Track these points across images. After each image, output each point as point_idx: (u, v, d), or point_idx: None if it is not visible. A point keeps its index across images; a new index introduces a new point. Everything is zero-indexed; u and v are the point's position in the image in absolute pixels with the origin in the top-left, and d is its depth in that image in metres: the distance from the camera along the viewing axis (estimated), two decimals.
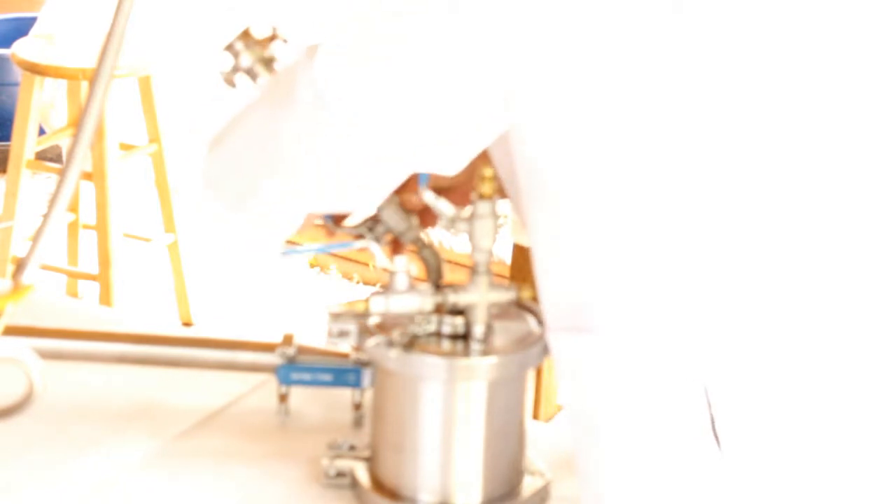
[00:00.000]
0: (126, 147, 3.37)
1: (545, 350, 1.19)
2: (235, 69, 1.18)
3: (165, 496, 1.25)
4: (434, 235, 1.26)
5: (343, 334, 1.21)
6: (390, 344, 1.17)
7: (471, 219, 1.16)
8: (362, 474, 1.24)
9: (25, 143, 3.26)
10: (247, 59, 1.18)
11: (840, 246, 0.99)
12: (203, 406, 1.38)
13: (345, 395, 1.36)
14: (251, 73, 1.19)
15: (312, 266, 3.95)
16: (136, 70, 3.26)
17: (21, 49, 3.26)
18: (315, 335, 1.34)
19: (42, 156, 3.61)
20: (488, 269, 1.18)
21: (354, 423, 1.35)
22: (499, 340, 1.19)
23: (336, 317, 1.21)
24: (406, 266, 1.20)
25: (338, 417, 1.36)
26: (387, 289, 1.20)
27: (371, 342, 1.19)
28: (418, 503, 1.21)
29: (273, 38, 1.19)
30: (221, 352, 1.35)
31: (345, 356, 1.33)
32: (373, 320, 1.21)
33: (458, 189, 1.24)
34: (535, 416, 2.72)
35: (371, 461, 1.25)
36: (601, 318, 1.02)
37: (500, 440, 1.21)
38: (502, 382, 1.20)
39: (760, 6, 0.95)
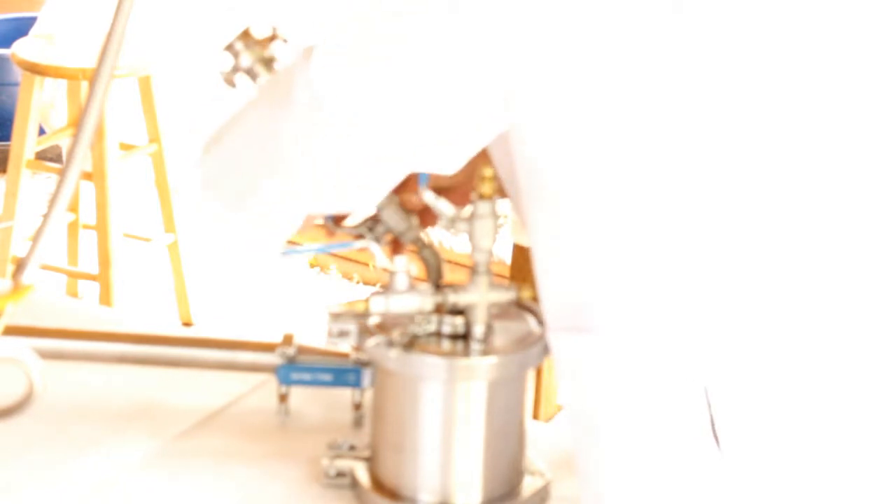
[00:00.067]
0: (126, 147, 3.37)
1: (545, 350, 1.19)
2: (235, 69, 1.18)
3: (165, 496, 1.25)
4: (434, 235, 1.26)
5: (343, 334, 1.21)
6: (390, 344, 1.17)
7: (471, 219, 1.16)
8: (362, 474, 1.24)
9: (25, 143, 3.26)
10: (247, 59, 1.18)
11: (839, 246, 0.99)
12: (203, 406, 1.38)
13: (345, 395, 1.36)
14: (251, 73, 1.19)
15: (312, 266, 3.95)
16: (136, 70, 3.26)
17: (21, 49, 3.27)
18: (315, 335, 1.34)
19: (42, 156, 3.61)
20: (488, 269, 1.18)
21: (354, 423, 1.35)
22: (499, 340, 1.19)
23: (336, 317, 1.21)
24: (406, 266, 1.20)
25: (338, 417, 1.36)
26: (387, 289, 1.20)
27: (371, 342, 1.19)
28: (418, 503, 1.21)
29: (273, 38, 1.19)
30: (221, 352, 1.35)
31: (345, 356, 1.33)
32: (373, 320, 1.21)
33: (458, 189, 1.24)
34: (535, 416, 2.72)
35: (371, 461, 1.25)
36: (601, 318, 1.02)
37: (500, 440, 1.21)
38: (502, 382, 1.20)
39: (760, 6, 0.95)
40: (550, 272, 1.06)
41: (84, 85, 3.24)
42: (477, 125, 1.01)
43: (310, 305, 3.65)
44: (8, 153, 3.31)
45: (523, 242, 2.59)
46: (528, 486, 1.24)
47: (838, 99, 0.97)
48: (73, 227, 3.54)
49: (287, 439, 1.33)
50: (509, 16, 0.95)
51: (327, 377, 1.33)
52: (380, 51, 0.99)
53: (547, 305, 1.08)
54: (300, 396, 1.37)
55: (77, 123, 0.99)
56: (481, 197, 1.15)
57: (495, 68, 0.97)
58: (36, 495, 1.24)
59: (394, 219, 1.22)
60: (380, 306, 1.19)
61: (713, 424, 1.00)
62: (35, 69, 3.20)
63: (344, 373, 1.33)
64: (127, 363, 1.36)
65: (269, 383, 1.39)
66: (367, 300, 1.19)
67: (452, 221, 1.16)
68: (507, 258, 2.95)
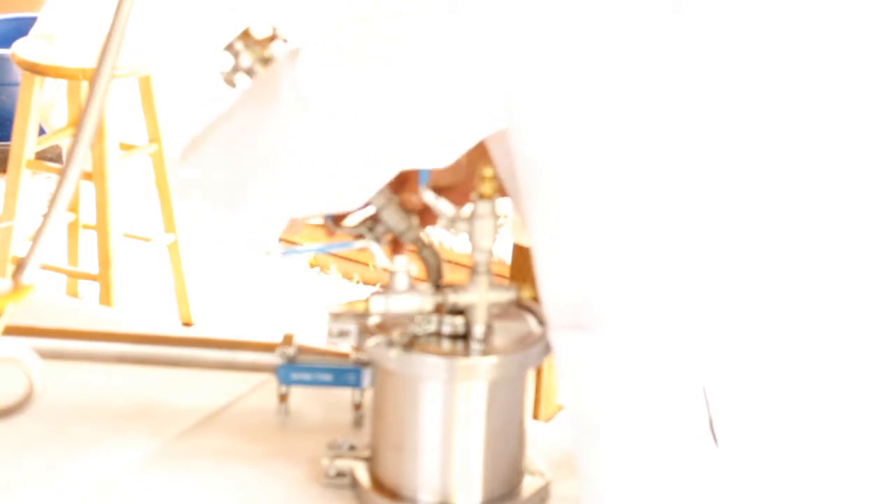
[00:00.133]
0: (126, 147, 3.37)
1: (545, 350, 1.19)
2: (235, 69, 1.18)
3: (165, 496, 1.25)
4: (434, 235, 1.26)
5: (343, 334, 1.21)
6: (390, 344, 1.17)
7: (471, 219, 1.16)
8: (362, 474, 1.24)
9: (25, 143, 3.25)
10: (247, 59, 1.18)
11: (837, 246, 0.99)
12: (203, 406, 1.38)
13: (345, 395, 1.36)
14: (251, 73, 1.19)
15: (312, 266, 3.95)
16: (136, 70, 3.26)
17: (21, 49, 3.26)
18: (315, 335, 1.34)
19: (42, 156, 3.60)
20: (488, 269, 1.18)
21: (354, 423, 1.35)
22: (499, 340, 1.19)
23: (336, 317, 1.21)
24: (406, 266, 1.20)
25: (338, 417, 1.36)
26: (387, 289, 1.20)
27: (371, 342, 1.19)
28: (418, 503, 1.21)
29: (273, 38, 1.19)
30: (221, 352, 1.35)
31: (345, 356, 1.33)
32: (373, 320, 1.21)
33: (458, 189, 1.24)
34: (535, 416, 2.72)
35: (371, 461, 1.25)
36: (600, 317, 1.02)
37: (500, 440, 1.21)
38: (502, 382, 1.20)
39: (760, 6, 0.95)
40: (550, 271, 1.06)
41: (84, 85, 3.24)
42: (472, 123, 1.01)
43: (310, 305, 3.65)
44: (8, 153, 3.31)
45: (523, 242, 2.59)
46: (528, 486, 1.24)
47: (838, 99, 0.97)
48: (73, 227, 3.54)
49: (287, 439, 1.33)
50: (508, 15, 0.95)
51: (327, 377, 1.33)
52: (371, 51, 0.99)
53: (547, 304, 1.08)
54: (300, 396, 1.37)
55: (77, 123, 0.99)
56: (481, 197, 1.15)
57: (494, 68, 0.97)
58: (36, 495, 1.24)
59: (394, 219, 1.22)
60: (380, 306, 1.19)
61: (711, 423, 1.00)
62: (35, 69, 3.20)
63: (344, 373, 1.33)
64: (127, 363, 1.36)
65: (269, 383, 1.39)
66: (367, 300, 1.19)
67: (452, 221, 1.16)
68: (507, 258, 2.95)
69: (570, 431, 1.09)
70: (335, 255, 3.88)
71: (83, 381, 1.39)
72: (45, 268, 3.29)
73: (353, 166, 1.04)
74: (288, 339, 1.34)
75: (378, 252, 1.23)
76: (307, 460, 1.29)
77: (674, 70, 0.95)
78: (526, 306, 1.23)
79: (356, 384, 1.33)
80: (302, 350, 1.34)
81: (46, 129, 3.85)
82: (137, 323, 1.54)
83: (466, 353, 1.18)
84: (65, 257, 3.58)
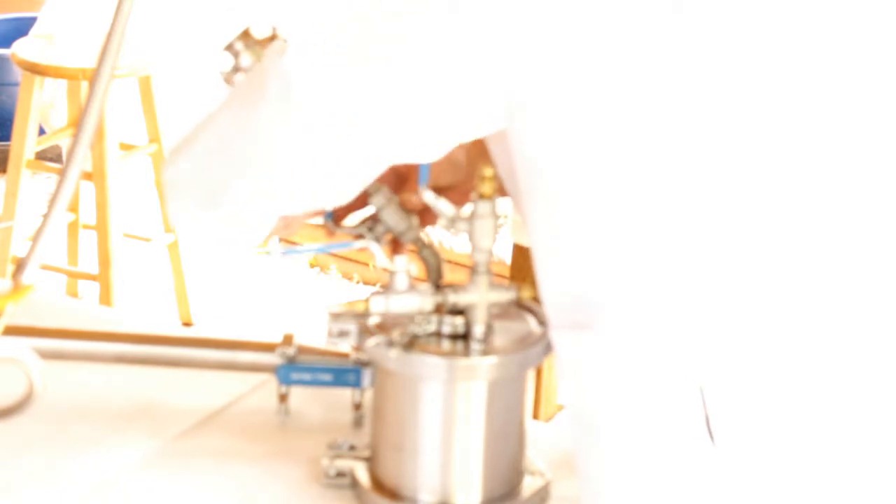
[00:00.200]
0: (126, 147, 3.37)
1: (545, 350, 1.19)
2: (235, 69, 1.18)
3: (165, 496, 1.25)
4: (434, 235, 1.26)
5: (343, 334, 1.21)
6: (390, 344, 1.17)
7: (471, 219, 1.16)
8: (362, 474, 1.24)
9: (25, 143, 3.25)
10: (247, 59, 1.18)
11: (835, 245, 0.99)
12: (203, 406, 1.38)
13: (345, 395, 1.36)
14: None
15: (312, 266, 3.95)
16: (136, 70, 3.26)
17: (21, 49, 3.26)
18: (315, 335, 1.34)
19: (42, 156, 3.60)
20: (488, 269, 1.18)
21: (354, 423, 1.35)
22: (499, 340, 1.19)
23: (336, 317, 1.21)
24: (406, 266, 1.20)
25: (338, 417, 1.36)
26: (387, 289, 1.20)
27: (371, 342, 1.19)
28: (418, 503, 1.21)
29: (273, 38, 1.19)
30: (221, 352, 1.35)
31: (345, 356, 1.33)
32: (373, 320, 1.21)
33: (458, 189, 1.24)
34: (535, 416, 2.72)
35: (371, 461, 1.25)
36: (600, 316, 1.03)
37: (500, 440, 1.21)
38: (502, 382, 1.20)
39: (760, 6, 0.95)
40: (550, 270, 1.06)
41: (84, 85, 3.24)
42: (471, 123, 1.01)
43: (310, 305, 3.65)
44: (8, 153, 3.31)
45: (523, 242, 2.59)
46: (528, 486, 1.24)
47: (837, 99, 0.97)
48: (73, 227, 3.54)
49: (287, 439, 1.33)
50: (508, 15, 0.95)
51: (327, 377, 1.33)
52: (377, 50, 0.99)
53: (548, 303, 1.08)
54: (300, 396, 1.37)
55: (77, 123, 0.99)
56: (481, 197, 1.15)
57: (494, 68, 0.97)
58: (36, 495, 1.24)
59: (394, 219, 1.22)
60: (380, 306, 1.19)
61: (708, 422, 1.00)
62: (35, 69, 3.20)
63: (344, 373, 1.33)
64: (127, 363, 1.36)
65: (269, 383, 1.39)
66: (367, 300, 1.19)
67: (452, 221, 1.16)
68: (507, 258, 2.95)
69: (570, 431, 1.09)
70: (335, 255, 3.88)
71: (83, 381, 1.39)
72: (45, 268, 3.29)
73: (343, 162, 1.04)
74: (288, 339, 1.34)
75: (378, 252, 1.23)
76: (307, 460, 1.29)
77: (674, 70, 0.95)
78: (526, 306, 1.23)
79: (356, 384, 1.33)
80: (302, 350, 1.34)
81: (46, 129, 3.85)
82: (137, 323, 1.54)
83: (466, 353, 1.18)
84: (65, 257, 3.58)
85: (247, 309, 3.67)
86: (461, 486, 1.20)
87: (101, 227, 3.25)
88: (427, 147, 1.04)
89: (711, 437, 1.00)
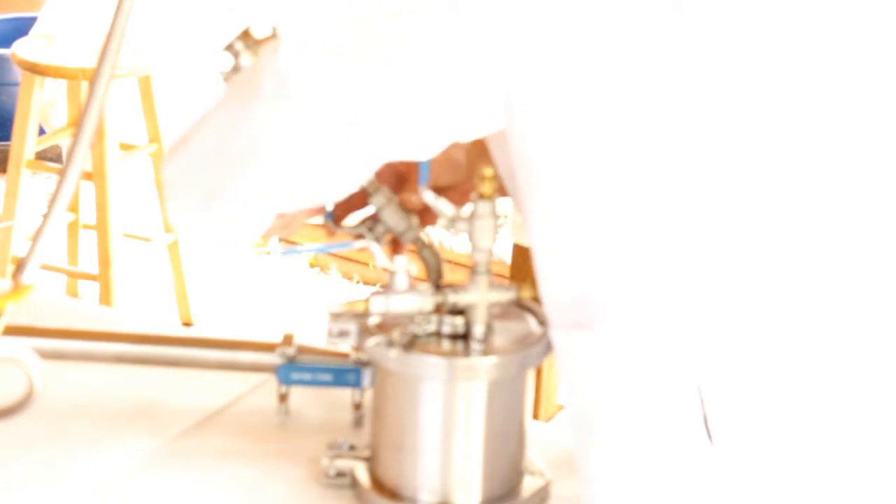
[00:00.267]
0: (126, 147, 3.37)
1: (545, 350, 1.19)
2: (235, 69, 1.18)
3: (165, 496, 1.25)
4: (434, 235, 1.26)
5: (343, 334, 1.21)
6: (390, 344, 1.17)
7: (471, 219, 1.16)
8: (362, 474, 1.24)
9: (25, 143, 3.25)
10: (247, 59, 1.18)
11: (834, 245, 0.99)
12: (203, 406, 1.38)
13: (345, 395, 1.36)
14: None
15: (312, 266, 3.95)
16: (136, 70, 3.26)
17: (21, 49, 3.26)
18: (315, 335, 1.34)
19: (42, 156, 3.61)
20: (488, 269, 1.18)
21: (354, 423, 1.35)
22: (499, 340, 1.19)
23: (336, 317, 1.21)
24: (406, 266, 1.20)
25: (338, 417, 1.36)
26: (387, 289, 1.20)
27: (371, 342, 1.19)
28: (418, 503, 1.21)
29: (273, 38, 1.19)
30: (221, 352, 1.35)
31: (345, 356, 1.33)
32: (373, 320, 1.21)
33: (458, 189, 1.24)
34: (535, 416, 2.72)
35: (371, 461, 1.25)
36: (600, 315, 1.03)
37: (500, 440, 1.21)
38: (502, 382, 1.20)
39: (760, 6, 0.95)
40: (550, 270, 1.06)
41: (84, 85, 3.24)
42: (470, 123, 1.01)
43: (310, 305, 3.65)
44: (8, 153, 3.31)
45: (523, 242, 2.59)
46: (528, 486, 1.24)
47: (837, 99, 0.97)
48: (73, 227, 3.54)
49: (287, 439, 1.33)
50: (508, 15, 0.95)
51: (327, 377, 1.33)
52: (376, 50, 0.99)
53: (548, 303, 1.08)
54: (300, 396, 1.37)
55: (77, 123, 0.99)
56: (481, 197, 1.15)
57: (493, 68, 0.97)
58: (36, 495, 1.24)
59: (394, 219, 1.22)
60: (380, 306, 1.19)
61: (706, 421, 1.00)
62: (35, 69, 3.20)
63: (344, 373, 1.33)
64: (127, 363, 1.36)
65: (269, 383, 1.39)
66: (367, 300, 1.19)
67: (452, 221, 1.16)
68: (507, 258, 2.95)
69: (569, 431, 1.09)
70: (335, 255, 3.88)
71: (83, 381, 1.39)
72: (45, 268, 3.29)
73: (341, 159, 1.04)
74: (288, 339, 1.34)
75: (378, 252, 1.23)
76: (307, 460, 1.29)
77: (673, 70, 0.95)
78: (526, 306, 1.23)
79: (356, 384, 1.33)
80: (302, 350, 1.34)
81: (46, 129, 3.85)
82: (137, 323, 1.54)
83: (466, 353, 1.18)
84: (65, 257, 3.58)
85: (247, 309, 3.67)
86: (461, 486, 1.20)
87: (101, 227, 3.25)
88: (424, 145, 1.04)
89: (710, 436, 1.00)
